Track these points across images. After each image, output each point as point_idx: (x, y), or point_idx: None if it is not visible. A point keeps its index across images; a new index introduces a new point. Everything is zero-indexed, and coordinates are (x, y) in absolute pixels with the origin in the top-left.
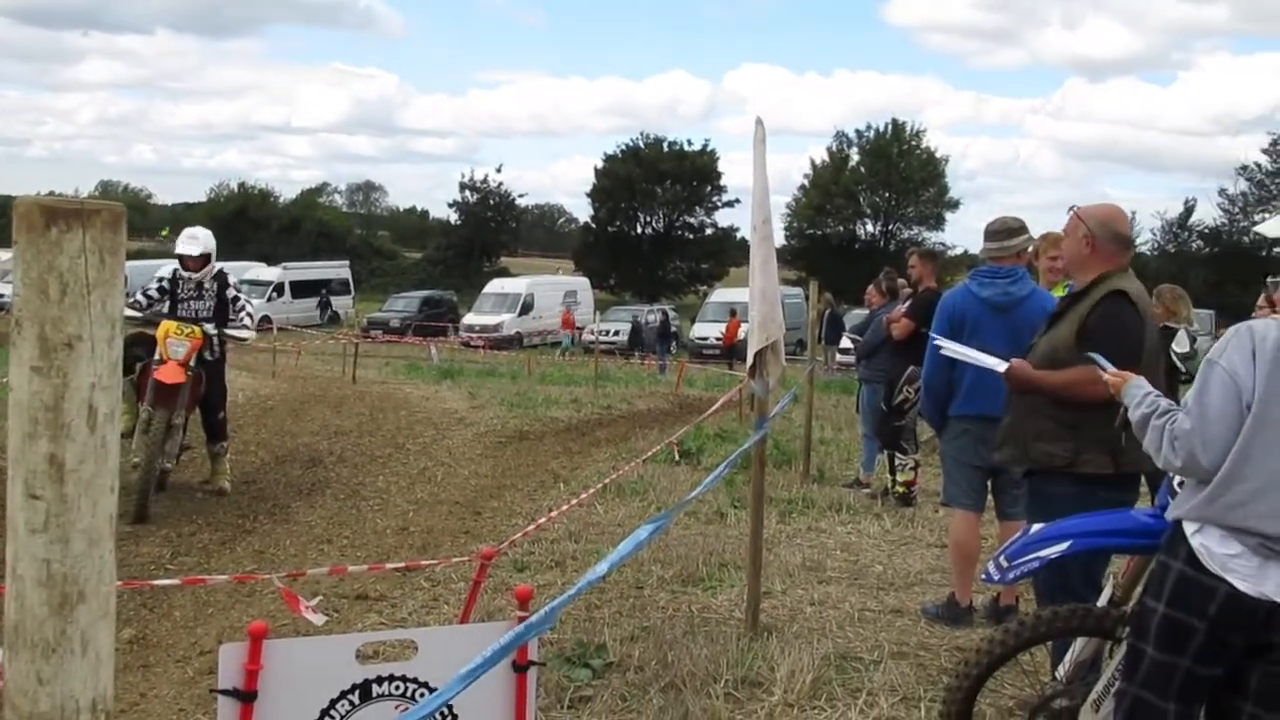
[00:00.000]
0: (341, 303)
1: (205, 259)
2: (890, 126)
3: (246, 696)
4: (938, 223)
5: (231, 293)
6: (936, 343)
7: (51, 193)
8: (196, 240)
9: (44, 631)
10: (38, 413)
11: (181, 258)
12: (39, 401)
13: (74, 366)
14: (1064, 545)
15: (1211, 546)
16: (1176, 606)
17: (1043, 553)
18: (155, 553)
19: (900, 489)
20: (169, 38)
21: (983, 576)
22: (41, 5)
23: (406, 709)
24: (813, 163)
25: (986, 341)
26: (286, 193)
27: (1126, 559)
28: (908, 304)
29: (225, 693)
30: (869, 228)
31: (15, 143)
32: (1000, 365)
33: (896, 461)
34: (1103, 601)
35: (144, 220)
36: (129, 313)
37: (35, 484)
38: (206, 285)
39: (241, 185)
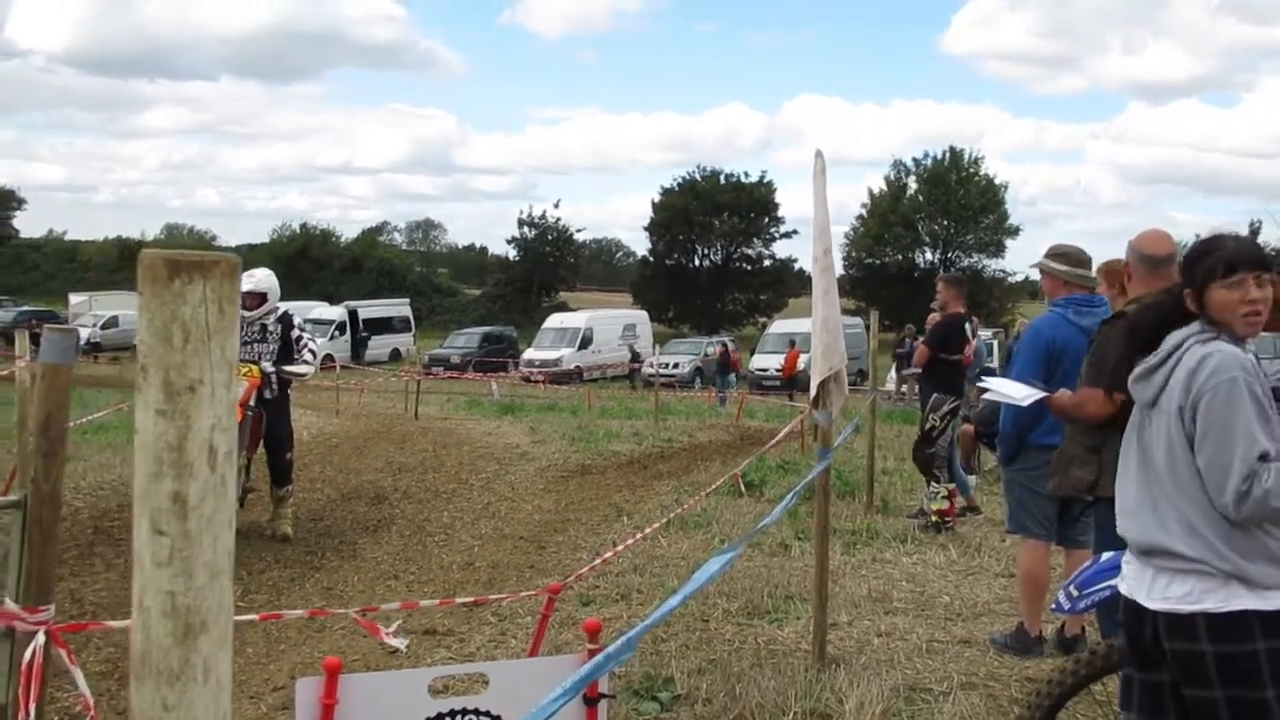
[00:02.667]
0: (403, 340)
1: (260, 298)
2: (948, 154)
3: None
4: (998, 250)
5: (295, 334)
6: (981, 383)
7: (119, 238)
8: (251, 278)
9: (169, 660)
10: (162, 453)
11: None
12: (164, 442)
13: (196, 409)
14: None
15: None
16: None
17: (1113, 581)
18: None
19: (934, 518)
20: (232, 83)
21: (1053, 607)
22: (109, 55)
23: None
24: (870, 192)
25: None
26: (348, 232)
27: None
28: (929, 331)
29: None
30: (928, 255)
31: (84, 189)
32: (1031, 398)
33: (930, 489)
34: None
35: None
36: None
37: (160, 520)
38: (270, 327)
39: (303, 226)
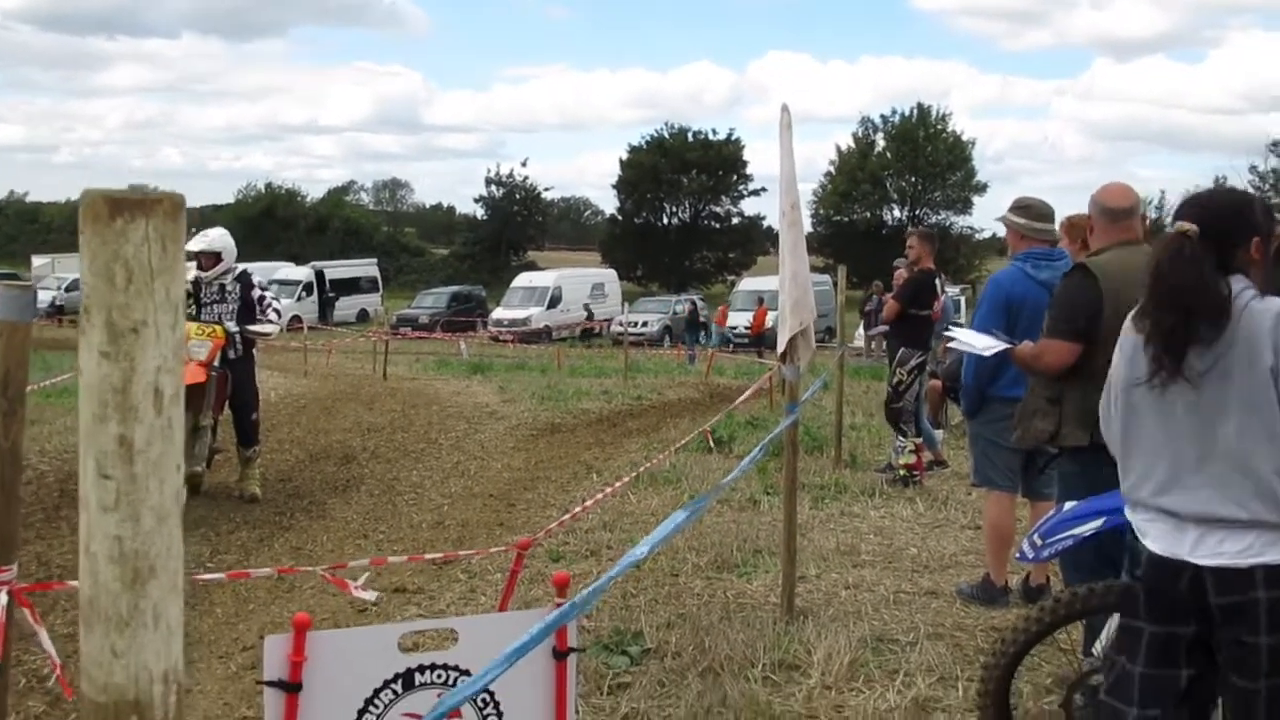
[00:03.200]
0: (371, 300)
1: (215, 257)
2: (916, 111)
3: (291, 688)
4: (965, 206)
5: (257, 293)
6: (947, 333)
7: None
8: (205, 238)
9: (117, 606)
10: (107, 395)
11: (190, 254)
12: (108, 385)
13: (140, 351)
14: (1098, 523)
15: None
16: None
17: (1076, 530)
18: (195, 551)
19: (902, 471)
20: (194, 41)
21: (1017, 555)
22: (67, 11)
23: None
24: (838, 149)
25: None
26: (313, 192)
27: None
28: (897, 287)
29: (270, 684)
30: (896, 213)
31: (44, 149)
32: (992, 349)
33: (897, 444)
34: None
35: None
36: None
37: (106, 464)
38: (229, 287)
39: (268, 186)
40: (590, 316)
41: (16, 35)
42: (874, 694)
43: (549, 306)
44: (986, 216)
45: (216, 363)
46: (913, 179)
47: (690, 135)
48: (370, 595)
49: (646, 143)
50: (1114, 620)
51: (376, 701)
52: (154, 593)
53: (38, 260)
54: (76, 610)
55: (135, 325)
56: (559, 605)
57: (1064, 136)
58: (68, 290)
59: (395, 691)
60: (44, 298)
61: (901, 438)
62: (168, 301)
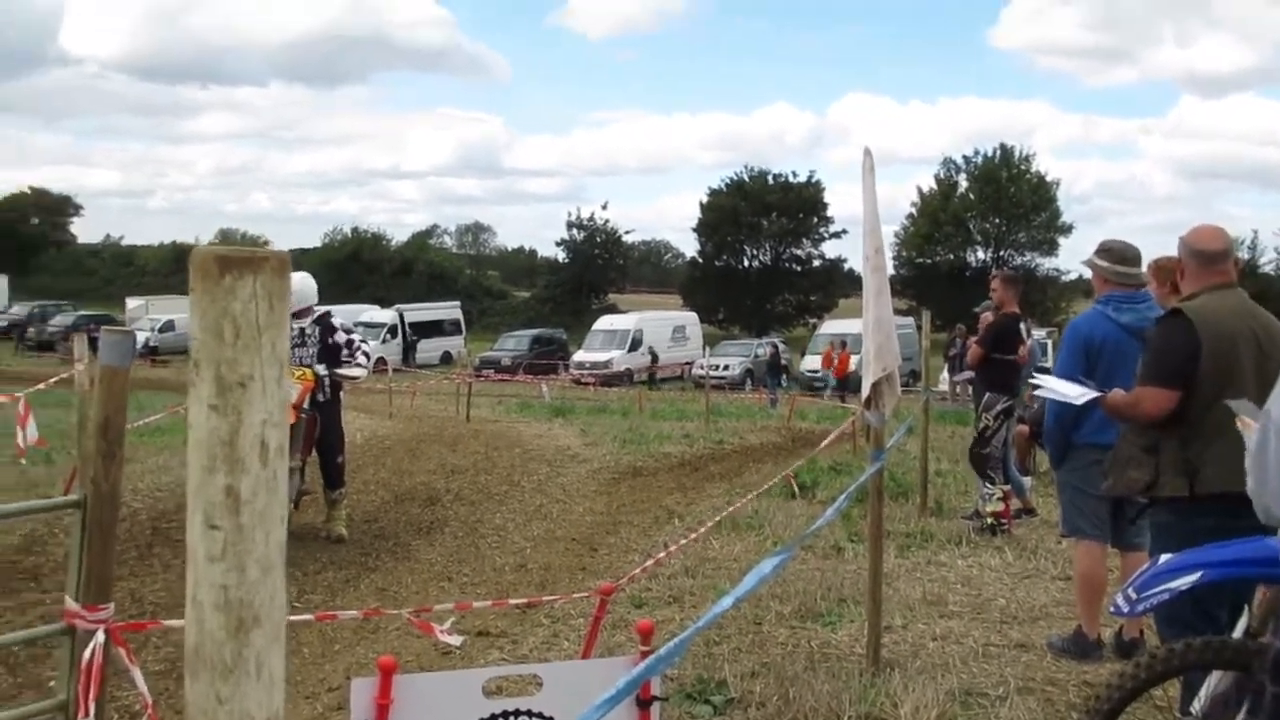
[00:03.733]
0: (454, 343)
1: (308, 308)
2: (999, 151)
3: None
4: (1051, 248)
5: (341, 336)
6: (1033, 379)
7: (174, 243)
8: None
9: (222, 654)
10: (215, 448)
11: None
12: (216, 437)
13: (247, 404)
14: (1194, 576)
15: None
16: None
17: (1172, 584)
18: None
19: (989, 520)
20: (282, 89)
21: (1111, 609)
22: (161, 61)
23: None
24: (920, 191)
25: (1128, 368)
26: (398, 236)
27: (1261, 589)
28: (981, 332)
29: None
30: (980, 254)
31: (139, 194)
32: (1085, 396)
33: (984, 491)
34: (1238, 633)
35: None
36: None
37: (214, 514)
38: (308, 331)
39: (354, 230)
40: (655, 360)
41: (112, 84)
42: None
43: (630, 349)
44: (1073, 258)
45: (306, 405)
46: (996, 220)
47: (770, 178)
48: (456, 640)
49: (726, 185)
50: (1213, 678)
51: None
52: (258, 642)
53: (132, 302)
54: (169, 648)
55: (243, 379)
56: (643, 653)
57: (1151, 175)
58: (161, 331)
59: None
60: (138, 339)
61: (989, 485)
62: (274, 356)
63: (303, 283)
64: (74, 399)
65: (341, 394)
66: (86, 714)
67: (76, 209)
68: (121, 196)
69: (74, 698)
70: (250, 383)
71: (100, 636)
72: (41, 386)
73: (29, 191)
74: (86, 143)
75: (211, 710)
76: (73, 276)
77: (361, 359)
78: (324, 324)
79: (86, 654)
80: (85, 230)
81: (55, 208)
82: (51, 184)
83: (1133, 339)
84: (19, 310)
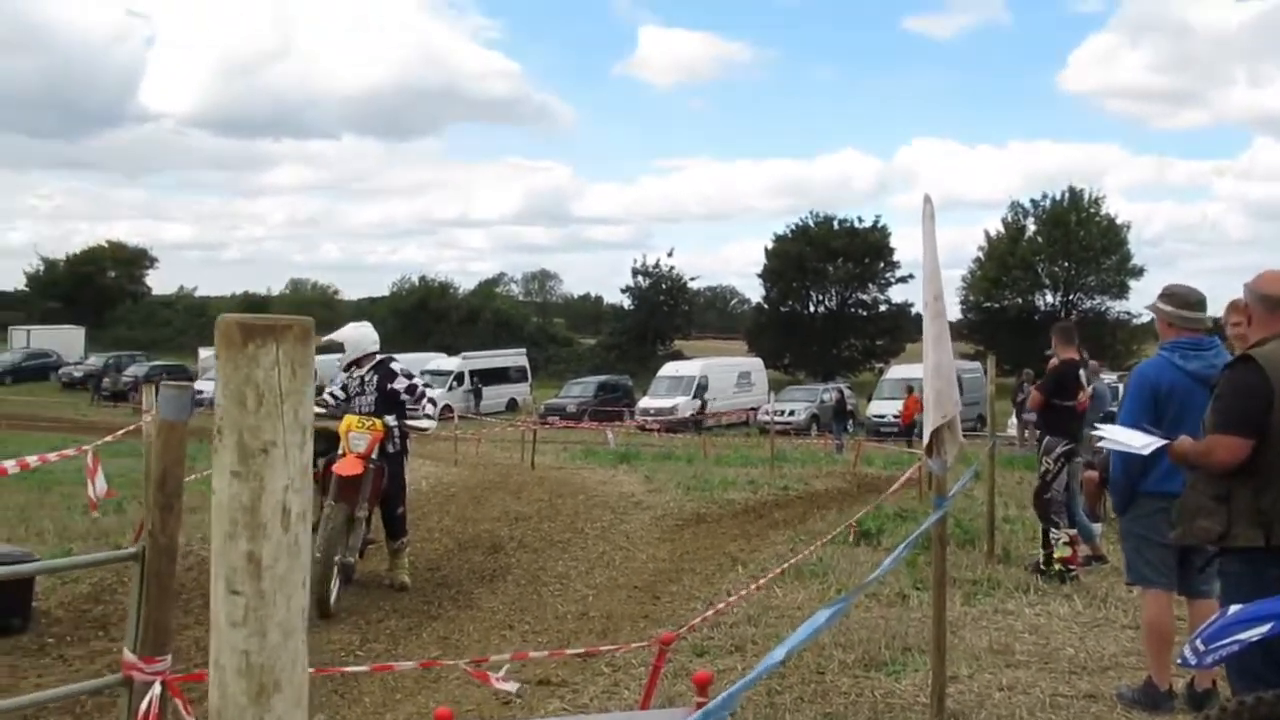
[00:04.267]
0: (519, 390)
1: (338, 348)
2: (1068, 195)
3: None
4: (1121, 291)
5: (401, 382)
6: (1096, 431)
7: (246, 293)
8: (340, 333)
9: (244, 719)
10: (237, 514)
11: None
12: (238, 503)
13: (269, 471)
14: (1265, 627)
15: None
16: None
17: (1242, 635)
18: (345, 639)
19: (1057, 566)
20: (353, 141)
21: (1179, 660)
22: (236, 116)
23: None
24: (987, 234)
25: (1194, 416)
26: (465, 284)
27: None
28: (1044, 378)
29: None
30: (1048, 298)
31: (213, 247)
32: (1150, 446)
33: (1051, 537)
34: None
35: (331, 315)
36: (317, 409)
37: (235, 580)
38: (367, 378)
39: (422, 278)
40: (703, 406)
41: (189, 139)
42: None
43: (695, 395)
44: (1143, 301)
45: (374, 455)
46: (1065, 264)
47: (836, 223)
48: (512, 687)
49: (792, 231)
50: None
51: None
52: (278, 707)
53: (204, 353)
54: None
55: (265, 446)
56: (699, 704)
57: (1225, 218)
58: None
59: None
60: (209, 388)
61: (1054, 530)
62: (296, 423)
63: (359, 331)
64: (143, 449)
65: (409, 443)
66: None
67: (152, 261)
68: (196, 249)
69: None
70: (273, 449)
71: (156, 689)
72: (110, 438)
73: (106, 245)
74: (163, 196)
75: None
76: (147, 327)
77: (429, 408)
78: (382, 370)
79: (143, 705)
80: (160, 282)
81: (132, 260)
82: (129, 237)
83: (1199, 386)
84: (95, 361)
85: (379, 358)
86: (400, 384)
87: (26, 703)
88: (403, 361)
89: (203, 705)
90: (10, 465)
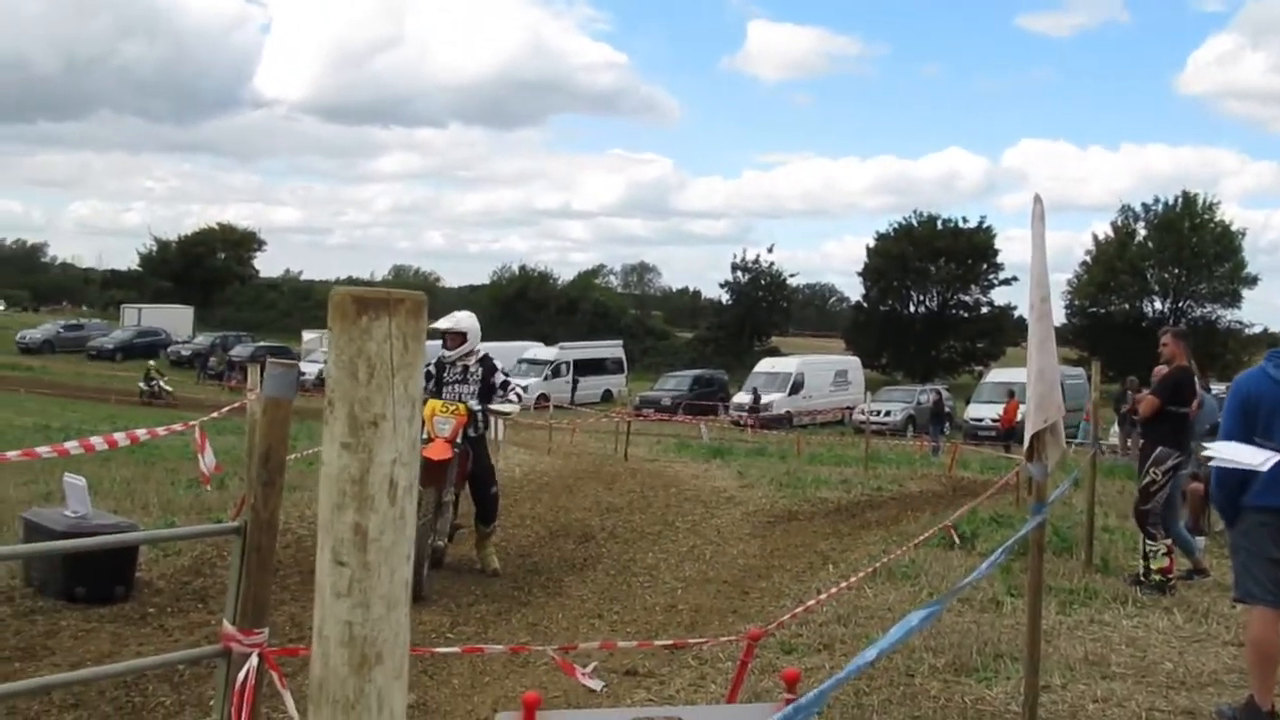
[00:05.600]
0: (615, 381)
1: (460, 337)
2: (1181, 199)
3: None
4: (1233, 299)
5: (500, 377)
6: (1205, 450)
7: (350, 278)
8: (453, 318)
9: (345, 689)
10: (345, 485)
11: (438, 333)
12: (347, 475)
13: (379, 443)
14: None
15: None
16: None
17: None
18: (436, 621)
19: (1156, 577)
20: (460, 130)
21: None
22: (347, 103)
23: None
24: (1096, 238)
25: None
26: (565, 274)
27: None
28: (1158, 382)
29: None
30: (1157, 305)
31: (319, 231)
32: (1269, 461)
33: (1148, 548)
34: None
35: (433, 302)
36: None
37: (341, 551)
38: (471, 369)
39: (522, 268)
40: (757, 401)
41: (301, 125)
42: None
43: (791, 392)
44: (1257, 310)
45: (459, 440)
46: (1176, 270)
47: (940, 223)
48: (596, 684)
49: (895, 230)
50: None
51: None
52: (379, 678)
53: (308, 335)
54: None
55: (375, 419)
56: (786, 700)
57: None
58: None
59: None
60: (312, 370)
61: (1151, 541)
62: (406, 396)
63: (472, 320)
64: (247, 427)
65: (502, 426)
66: None
67: (260, 244)
68: (302, 233)
69: (227, 717)
70: (382, 422)
71: (254, 660)
72: (215, 415)
73: (217, 227)
74: (274, 181)
75: None
76: (254, 309)
77: (513, 396)
78: (487, 364)
79: (240, 676)
80: (267, 265)
81: (240, 243)
82: (238, 220)
83: None
84: (203, 340)
85: (483, 352)
86: (498, 379)
87: (127, 669)
88: (502, 349)
89: (297, 679)
90: (120, 438)
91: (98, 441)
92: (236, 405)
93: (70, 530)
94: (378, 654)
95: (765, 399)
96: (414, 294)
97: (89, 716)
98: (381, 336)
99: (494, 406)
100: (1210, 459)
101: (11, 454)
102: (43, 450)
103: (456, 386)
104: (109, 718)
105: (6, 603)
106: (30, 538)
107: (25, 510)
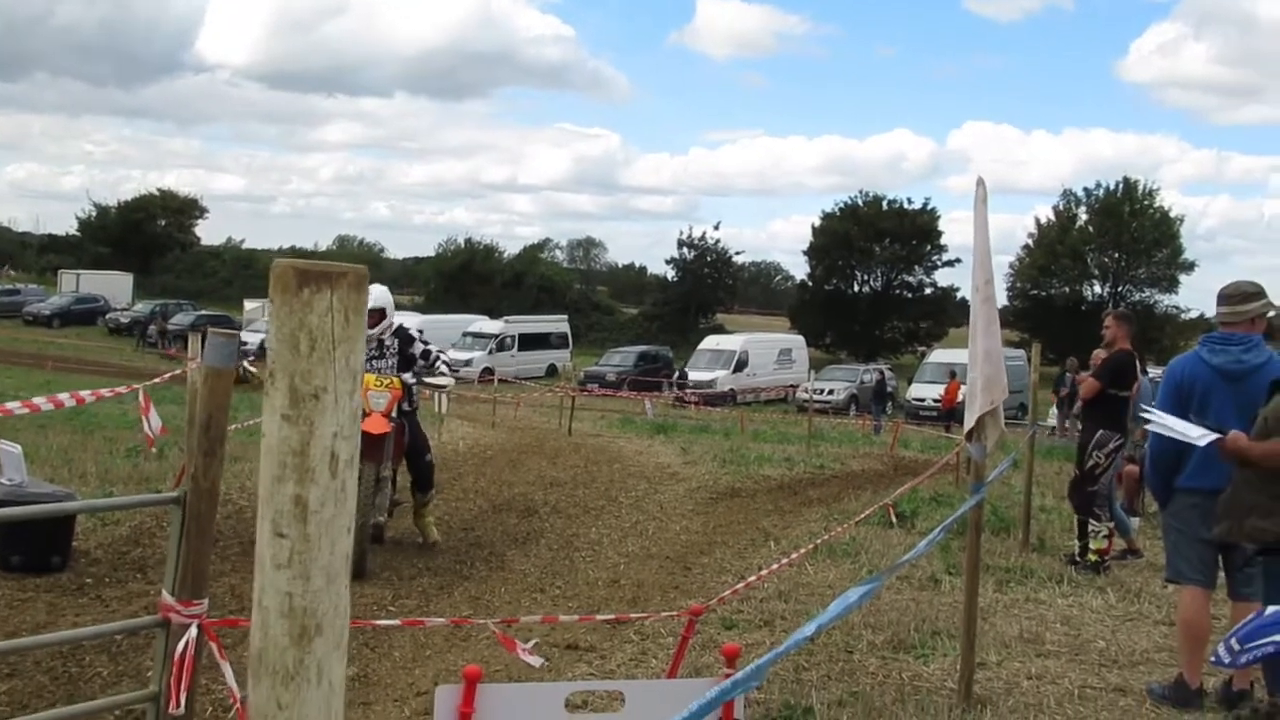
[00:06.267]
0: (559, 355)
1: (380, 314)
2: (1122, 185)
3: None
4: (1171, 285)
5: (419, 347)
6: (1144, 414)
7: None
8: (370, 295)
9: (285, 660)
10: (286, 457)
11: None
12: (287, 447)
13: (320, 416)
14: None
15: None
16: None
17: (1278, 636)
18: (377, 594)
19: (1093, 557)
20: (406, 100)
21: (1212, 659)
22: (292, 70)
23: None
24: (1038, 221)
25: (1216, 410)
26: (510, 248)
27: None
28: (1096, 366)
29: None
30: (1096, 289)
31: (262, 200)
32: (1206, 438)
33: (1090, 528)
34: None
35: (377, 274)
36: None
37: (281, 523)
38: (387, 342)
39: (468, 241)
40: (683, 376)
41: (245, 92)
42: None
43: (735, 370)
44: (1193, 296)
45: (394, 414)
46: (1116, 255)
47: (885, 203)
48: (535, 661)
49: (840, 209)
50: None
51: None
52: (319, 649)
53: (250, 304)
54: None
55: (316, 391)
56: (727, 676)
57: None
58: None
59: None
60: (254, 339)
61: (1095, 521)
62: (348, 370)
63: (386, 294)
64: (187, 396)
65: (445, 399)
66: (177, 705)
67: (202, 211)
68: (245, 201)
69: (165, 689)
70: (323, 394)
71: (193, 631)
72: (156, 381)
73: (157, 193)
74: (216, 147)
75: (272, 715)
76: (195, 277)
77: (443, 368)
78: (402, 335)
79: (179, 647)
80: (209, 232)
81: (181, 209)
82: (180, 187)
83: (1223, 381)
84: (142, 307)
85: (397, 323)
86: (417, 349)
87: (64, 639)
88: (447, 321)
89: (237, 650)
90: (65, 398)
91: (41, 401)
92: (177, 373)
93: (6, 498)
94: (317, 625)
95: (708, 376)
96: (356, 267)
97: (25, 686)
98: (323, 310)
99: (430, 380)
100: (1149, 428)
101: None
102: None
103: (374, 362)
104: (45, 688)
105: None
106: None
107: None
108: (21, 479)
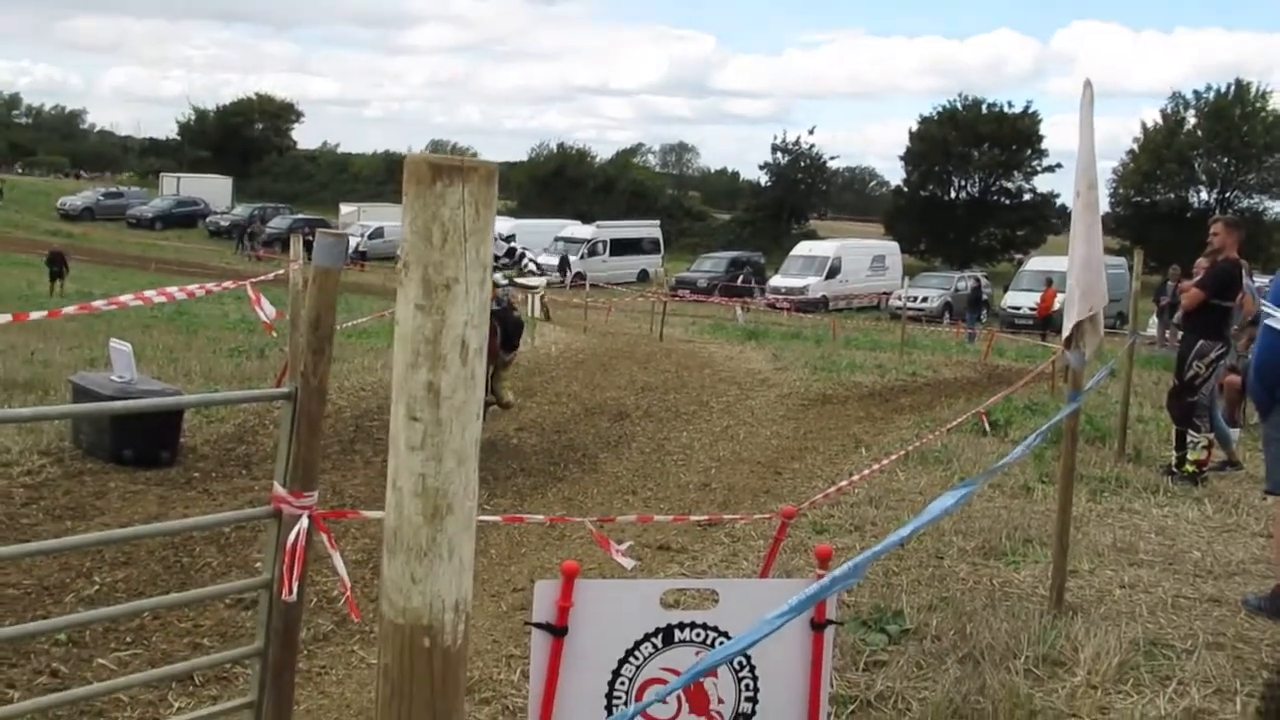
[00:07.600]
0: (651, 261)
1: None
2: (1234, 87)
3: (558, 631)
4: None
5: (502, 245)
6: (1266, 315)
7: (387, 152)
8: None
9: (418, 538)
10: (419, 345)
11: None
12: (421, 335)
13: (451, 305)
14: None
15: None
16: None
17: None
18: None
19: (1190, 468)
20: (499, 2)
21: None
22: None
23: (706, 656)
24: (1144, 126)
25: None
26: (603, 153)
27: None
28: (1202, 274)
29: (539, 626)
30: (1203, 195)
31: (355, 104)
32: None
33: (1188, 439)
34: None
35: None
36: None
37: (415, 407)
38: None
39: (560, 145)
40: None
41: None
42: (1143, 699)
43: (828, 276)
44: None
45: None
46: (1225, 160)
47: (984, 107)
48: (629, 562)
49: (938, 114)
50: None
51: (637, 653)
52: (450, 528)
53: (345, 208)
54: (366, 539)
55: (448, 282)
56: (820, 577)
57: None
58: (371, 238)
59: (655, 645)
60: (349, 243)
61: (1194, 433)
62: (478, 261)
63: None
64: (287, 298)
65: (537, 301)
66: (290, 592)
67: (298, 116)
68: (340, 105)
69: (278, 577)
70: (455, 285)
71: (305, 521)
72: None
73: (255, 98)
74: (310, 51)
75: (406, 589)
76: (291, 181)
77: (532, 267)
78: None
79: (291, 537)
80: (304, 136)
81: (278, 114)
82: (276, 91)
83: None
84: (241, 211)
85: None
86: (500, 248)
87: (178, 528)
88: (539, 226)
89: (342, 544)
90: (175, 291)
91: (152, 294)
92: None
93: (118, 394)
94: (449, 505)
95: (800, 283)
96: (487, 162)
97: (139, 574)
98: (455, 202)
99: (521, 280)
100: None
101: (99, 303)
102: (99, 304)
103: None
104: (159, 576)
105: (56, 463)
106: (79, 401)
107: (73, 374)
108: (132, 376)
